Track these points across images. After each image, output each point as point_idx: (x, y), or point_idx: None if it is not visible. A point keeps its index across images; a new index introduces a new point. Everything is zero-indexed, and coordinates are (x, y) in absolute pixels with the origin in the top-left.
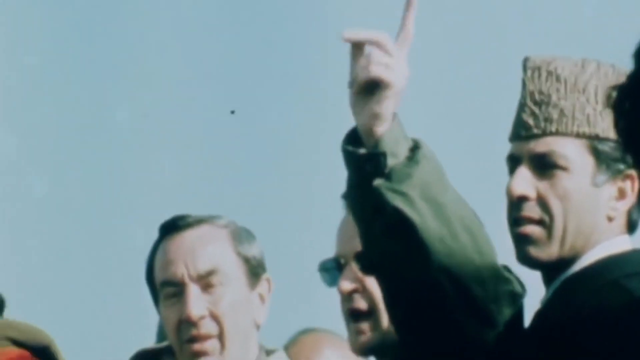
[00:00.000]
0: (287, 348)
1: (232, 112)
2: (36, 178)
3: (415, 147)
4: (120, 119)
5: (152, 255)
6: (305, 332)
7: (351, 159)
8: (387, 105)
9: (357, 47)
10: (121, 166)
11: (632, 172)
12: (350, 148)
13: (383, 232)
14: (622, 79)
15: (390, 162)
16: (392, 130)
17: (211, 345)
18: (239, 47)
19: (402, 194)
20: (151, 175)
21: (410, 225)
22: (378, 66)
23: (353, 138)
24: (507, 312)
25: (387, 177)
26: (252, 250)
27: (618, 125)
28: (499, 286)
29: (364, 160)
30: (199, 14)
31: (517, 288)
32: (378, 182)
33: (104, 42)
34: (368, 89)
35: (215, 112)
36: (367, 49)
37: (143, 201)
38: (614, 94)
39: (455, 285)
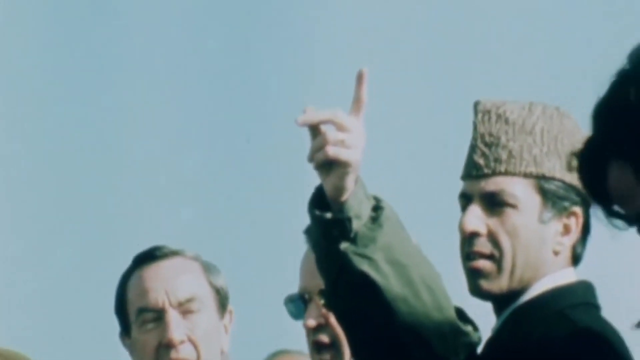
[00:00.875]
0: None
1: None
2: None
3: (377, 207)
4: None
5: (123, 284)
6: (278, 353)
7: (318, 222)
8: (347, 179)
9: (314, 127)
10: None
11: (577, 209)
12: (317, 212)
13: (348, 290)
14: (566, 120)
15: (355, 225)
16: (356, 195)
17: None
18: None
19: (368, 258)
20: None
21: (375, 287)
22: (333, 147)
23: (319, 197)
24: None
25: (353, 241)
26: (220, 282)
27: (584, 184)
28: (457, 339)
29: (331, 224)
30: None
31: (474, 338)
32: (344, 245)
33: None
34: (327, 166)
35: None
36: (323, 127)
37: None
38: (573, 161)
39: (416, 341)
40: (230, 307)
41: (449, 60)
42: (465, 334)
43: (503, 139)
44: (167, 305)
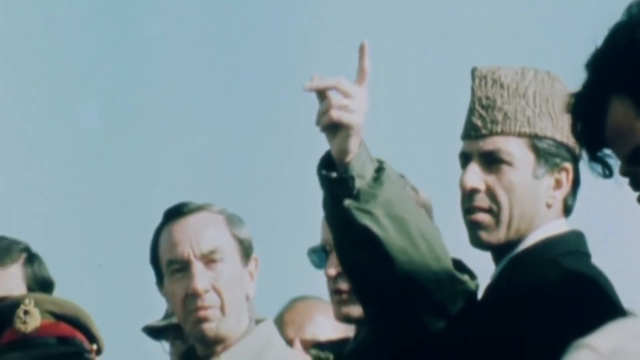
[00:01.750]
0: (281, 314)
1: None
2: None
3: (380, 169)
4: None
5: (156, 238)
6: (298, 299)
7: (324, 181)
8: (350, 141)
9: (321, 93)
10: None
11: (567, 165)
12: (323, 172)
13: (352, 244)
14: (556, 83)
15: (358, 183)
16: (359, 156)
17: (213, 313)
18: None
19: (369, 213)
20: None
21: (376, 239)
22: (337, 110)
23: (327, 160)
24: (461, 305)
25: (356, 197)
26: (244, 233)
27: (575, 126)
28: (455, 287)
29: (336, 183)
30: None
31: (471, 286)
32: (348, 202)
33: None
34: (332, 129)
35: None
36: (329, 93)
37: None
38: (571, 99)
39: (416, 289)
40: (255, 255)
41: (449, 29)
42: (462, 282)
43: (499, 102)
44: (192, 257)
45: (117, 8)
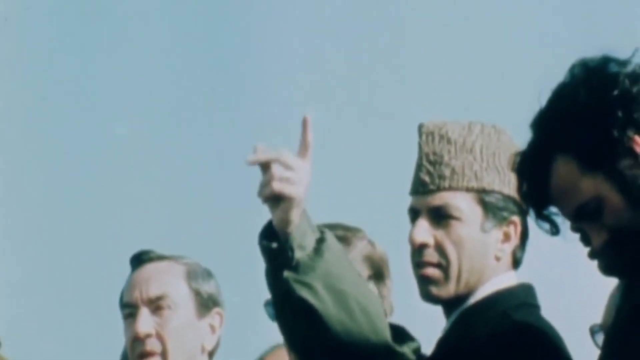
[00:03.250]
0: (262, 357)
1: None
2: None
3: (321, 239)
4: None
5: (125, 284)
6: (281, 345)
7: (265, 251)
8: (291, 213)
9: (264, 165)
10: None
11: (515, 218)
12: (264, 242)
13: (292, 315)
14: (503, 136)
15: (298, 255)
16: (300, 227)
17: None
18: None
19: (307, 285)
20: None
21: (314, 311)
22: (279, 182)
23: (269, 231)
24: None
25: (295, 269)
26: (205, 286)
27: (520, 185)
28: None
29: (276, 253)
30: None
31: (409, 358)
32: (286, 274)
33: None
34: (274, 200)
35: None
36: (272, 165)
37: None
38: (516, 159)
39: None
40: (218, 309)
41: (394, 87)
42: (400, 354)
43: (446, 157)
44: (139, 302)
45: None
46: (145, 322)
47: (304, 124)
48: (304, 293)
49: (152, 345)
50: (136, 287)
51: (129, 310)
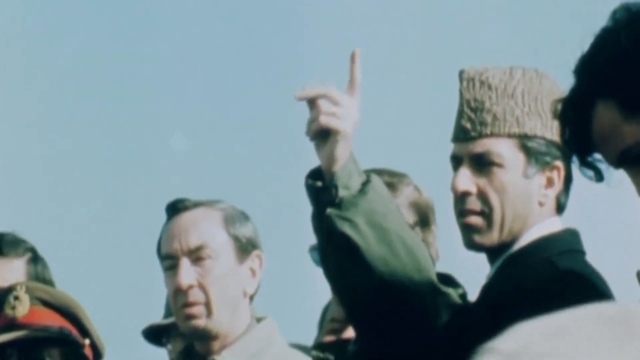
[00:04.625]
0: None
1: None
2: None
3: (366, 182)
4: None
5: (160, 234)
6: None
7: (310, 190)
8: (338, 148)
9: (311, 102)
10: None
11: (558, 163)
12: (309, 181)
13: (335, 253)
14: (545, 81)
15: (342, 193)
16: (346, 167)
17: (198, 310)
18: None
19: (349, 220)
20: None
21: (356, 248)
22: (326, 116)
23: (317, 173)
24: (445, 318)
25: (337, 206)
26: (243, 230)
27: (563, 132)
28: (436, 299)
29: (320, 191)
30: None
31: (454, 298)
32: (329, 210)
33: None
34: (321, 136)
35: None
36: (319, 101)
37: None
38: (558, 105)
39: (396, 299)
40: (258, 251)
41: (441, 32)
42: (444, 294)
43: (487, 104)
44: (179, 253)
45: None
46: (187, 273)
47: (353, 58)
48: (346, 228)
49: (195, 295)
50: (175, 238)
51: (169, 262)
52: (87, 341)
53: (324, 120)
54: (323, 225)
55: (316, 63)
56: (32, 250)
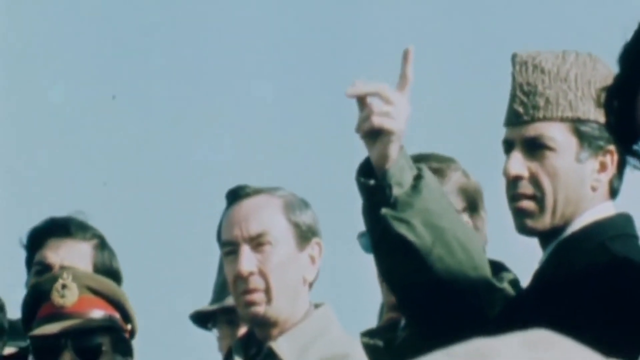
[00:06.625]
0: None
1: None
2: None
3: (418, 176)
4: None
5: (220, 220)
6: None
7: (362, 188)
8: (390, 148)
9: (361, 99)
10: None
11: (612, 147)
12: (362, 179)
13: (389, 252)
14: (598, 65)
15: (396, 191)
16: (398, 163)
17: (258, 297)
18: None
19: (405, 222)
20: None
21: (412, 248)
22: (378, 116)
23: (366, 167)
24: (499, 309)
25: (393, 206)
26: (303, 217)
27: (608, 121)
28: (492, 295)
29: (373, 190)
30: None
31: (509, 292)
32: (384, 210)
33: None
34: (373, 135)
35: None
36: (370, 99)
37: None
38: (603, 94)
39: (452, 296)
40: (317, 239)
41: (491, 16)
42: (500, 290)
43: (540, 87)
44: (240, 240)
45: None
46: (248, 260)
47: (405, 56)
48: (403, 230)
49: (255, 282)
50: (235, 224)
51: (230, 247)
52: (129, 326)
53: (377, 121)
54: (376, 221)
55: (365, 59)
56: (100, 237)
